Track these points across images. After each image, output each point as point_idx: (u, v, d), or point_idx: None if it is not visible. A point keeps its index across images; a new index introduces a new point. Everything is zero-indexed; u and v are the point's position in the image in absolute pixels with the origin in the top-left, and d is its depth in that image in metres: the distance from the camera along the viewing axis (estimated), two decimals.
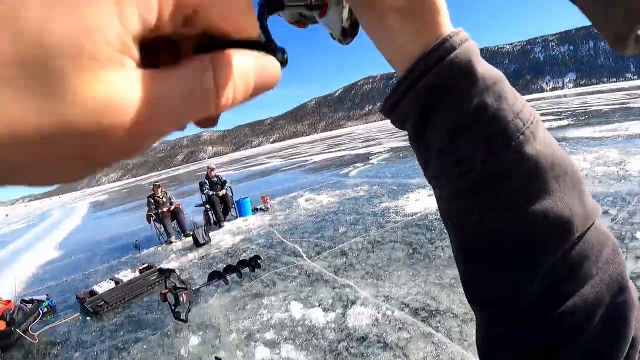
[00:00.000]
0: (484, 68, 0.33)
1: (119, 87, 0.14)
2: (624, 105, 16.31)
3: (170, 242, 7.28)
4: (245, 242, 6.52)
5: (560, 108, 17.96)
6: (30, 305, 4.60)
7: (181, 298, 3.65)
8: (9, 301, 4.63)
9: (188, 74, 0.16)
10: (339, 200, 8.11)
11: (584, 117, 13.58)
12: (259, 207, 8.89)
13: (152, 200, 7.49)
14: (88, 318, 4.42)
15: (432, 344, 2.71)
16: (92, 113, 0.13)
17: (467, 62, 0.32)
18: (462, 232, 0.37)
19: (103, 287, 4.84)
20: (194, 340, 3.45)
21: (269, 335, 3.29)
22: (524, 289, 0.34)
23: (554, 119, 13.87)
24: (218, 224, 8.06)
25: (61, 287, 5.81)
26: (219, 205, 8.12)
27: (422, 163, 0.38)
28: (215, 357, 2.73)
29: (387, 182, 8.78)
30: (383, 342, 2.86)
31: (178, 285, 3.79)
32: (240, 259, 4.98)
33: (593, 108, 15.73)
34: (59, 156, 0.14)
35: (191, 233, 7.31)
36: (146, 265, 5.54)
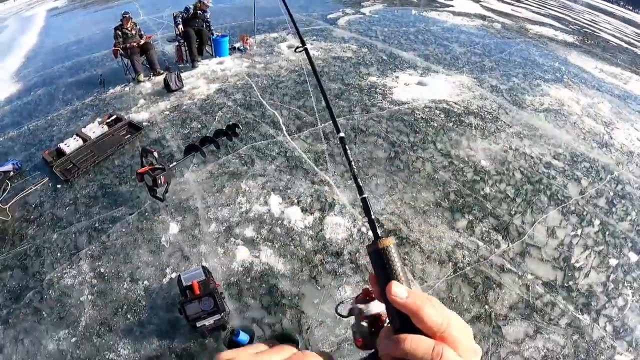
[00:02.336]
0: None
1: None
2: (632, 47, 12.92)
3: (139, 81, 6.64)
4: (220, 94, 6.08)
5: (570, 16, 15.56)
6: None
7: (159, 180, 3.52)
8: None
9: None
10: (325, 57, 7.45)
11: (590, 42, 11.66)
12: (236, 45, 8.04)
13: (119, 33, 6.45)
14: (59, 186, 4.21)
15: None
16: None
17: None
18: None
19: (70, 145, 4.51)
20: (174, 227, 3.49)
21: (248, 232, 3.38)
22: None
23: (563, 30, 12.04)
24: (192, 63, 7.33)
25: (24, 139, 5.34)
26: (195, 42, 7.22)
27: None
28: (202, 266, 2.80)
29: (377, 46, 8.02)
30: (355, 263, 3.04)
31: (156, 165, 3.60)
32: (217, 128, 4.71)
33: (602, 34, 13.50)
34: None
35: (162, 72, 6.66)
36: (115, 117, 5.13)
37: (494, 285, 3.19)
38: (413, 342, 0.44)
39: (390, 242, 0.51)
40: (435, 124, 5.07)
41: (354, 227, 3.37)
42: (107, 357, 2.74)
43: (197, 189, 3.99)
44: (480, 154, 4.64)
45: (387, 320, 0.51)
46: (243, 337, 2.73)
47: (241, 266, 3.10)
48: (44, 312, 3.04)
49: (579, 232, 3.88)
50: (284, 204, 3.65)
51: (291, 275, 3.02)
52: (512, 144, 5.04)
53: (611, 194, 4.49)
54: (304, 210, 3.58)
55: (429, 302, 0.45)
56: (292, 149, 4.48)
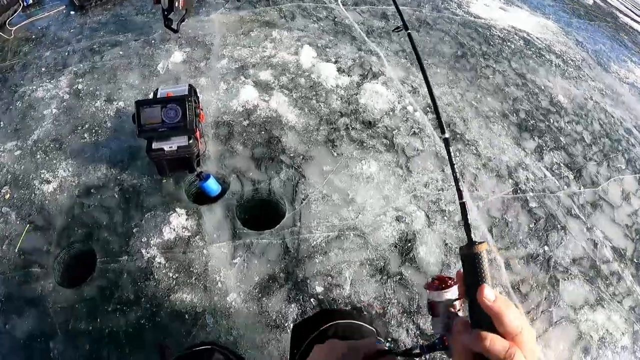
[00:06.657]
0: None
1: None
2: None
3: None
4: None
5: None
6: None
7: (176, 3, 2.51)
8: None
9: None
10: None
11: None
12: None
13: None
14: (72, 12, 3.26)
15: (433, 173, 1.92)
16: None
17: None
18: None
19: None
20: (177, 56, 2.53)
21: (265, 75, 2.38)
22: None
23: None
24: None
25: None
26: None
27: None
28: (190, 85, 1.85)
29: None
30: (390, 141, 2.04)
31: None
32: None
33: None
34: None
35: None
36: None
37: (558, 227, 2.19)
38: (492, 340, 0.45)
39: (483, 248, 0.50)
40: (513, 46, 3.80)
41: (398, 102, 2.33)
42: (42, 176, 1.97)
43: (220, 29, 2.96)
44: (558, 89, 3.44)
45: (458, 308, 0.54)
46: (213, 185, 1.83)
47: (242, 106, 2.15)
48: (1, 122, 2.31)
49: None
50: (318, 59, 2.61)
51: (303, 130, 2.05)
52: (593, 95, 3.80)
53: None
54: (340, 70, 2.53)
55: (512, 308, 0.46)
56: (343, 17, 3.34)
